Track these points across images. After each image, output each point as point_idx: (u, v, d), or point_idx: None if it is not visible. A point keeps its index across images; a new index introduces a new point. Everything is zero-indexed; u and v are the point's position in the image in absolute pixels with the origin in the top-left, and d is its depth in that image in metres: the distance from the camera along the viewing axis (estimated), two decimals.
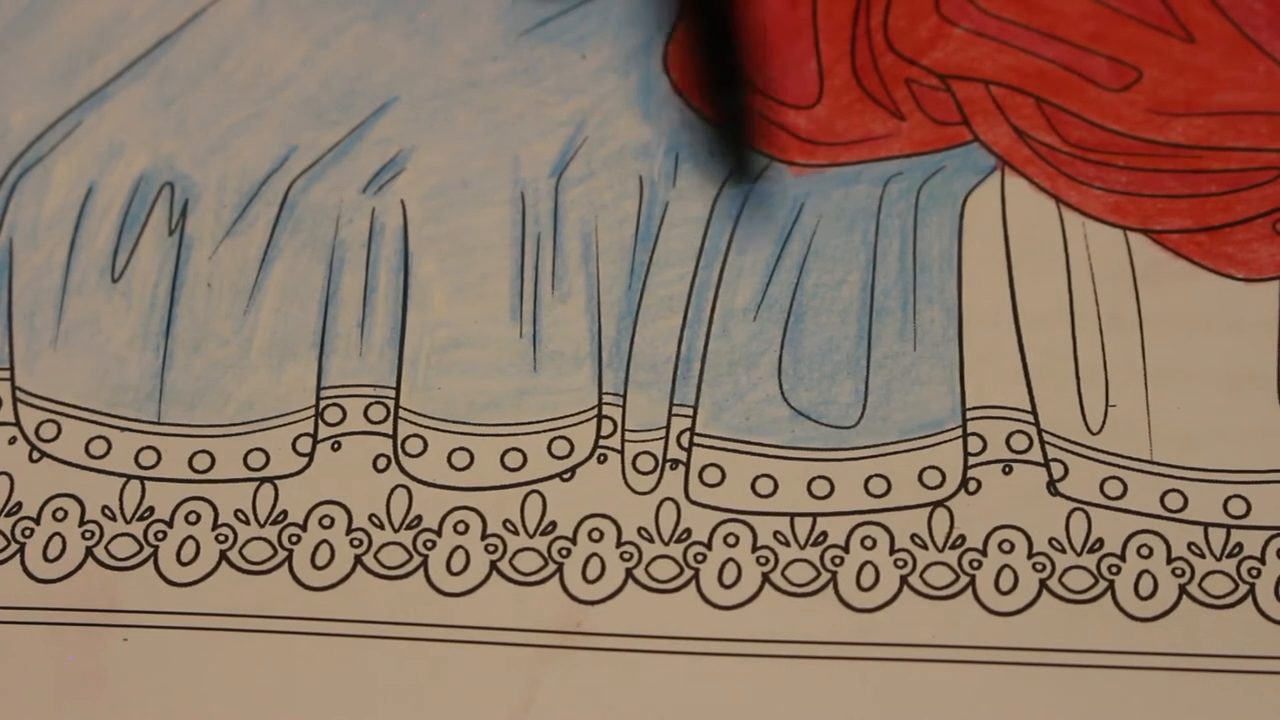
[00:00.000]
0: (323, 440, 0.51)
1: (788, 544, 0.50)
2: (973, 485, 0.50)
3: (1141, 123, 0.55)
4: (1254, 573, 0.49)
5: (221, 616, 0.49)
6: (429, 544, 0.50)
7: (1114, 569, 0.49)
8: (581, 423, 0.51)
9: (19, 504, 0.51)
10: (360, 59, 0.57)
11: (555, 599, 0.49)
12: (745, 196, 0.53)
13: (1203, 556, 0.49)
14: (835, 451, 0.51)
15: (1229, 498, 0.50)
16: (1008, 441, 0.51)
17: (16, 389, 0.52)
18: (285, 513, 0.51)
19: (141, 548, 0.50)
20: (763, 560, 0.49)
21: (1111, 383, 0.51)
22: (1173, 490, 0.50)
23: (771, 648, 0.48)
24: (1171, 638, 0.48)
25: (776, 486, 0.50)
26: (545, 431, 0.51)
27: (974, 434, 0.51)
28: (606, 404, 0.51)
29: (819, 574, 0.49)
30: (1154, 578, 0.49)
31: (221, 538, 0.50)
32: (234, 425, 0.52)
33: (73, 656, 0.49)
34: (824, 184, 0.54)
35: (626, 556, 0.50)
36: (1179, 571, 0.49)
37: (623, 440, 0.51)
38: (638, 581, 0.49)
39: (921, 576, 0.49)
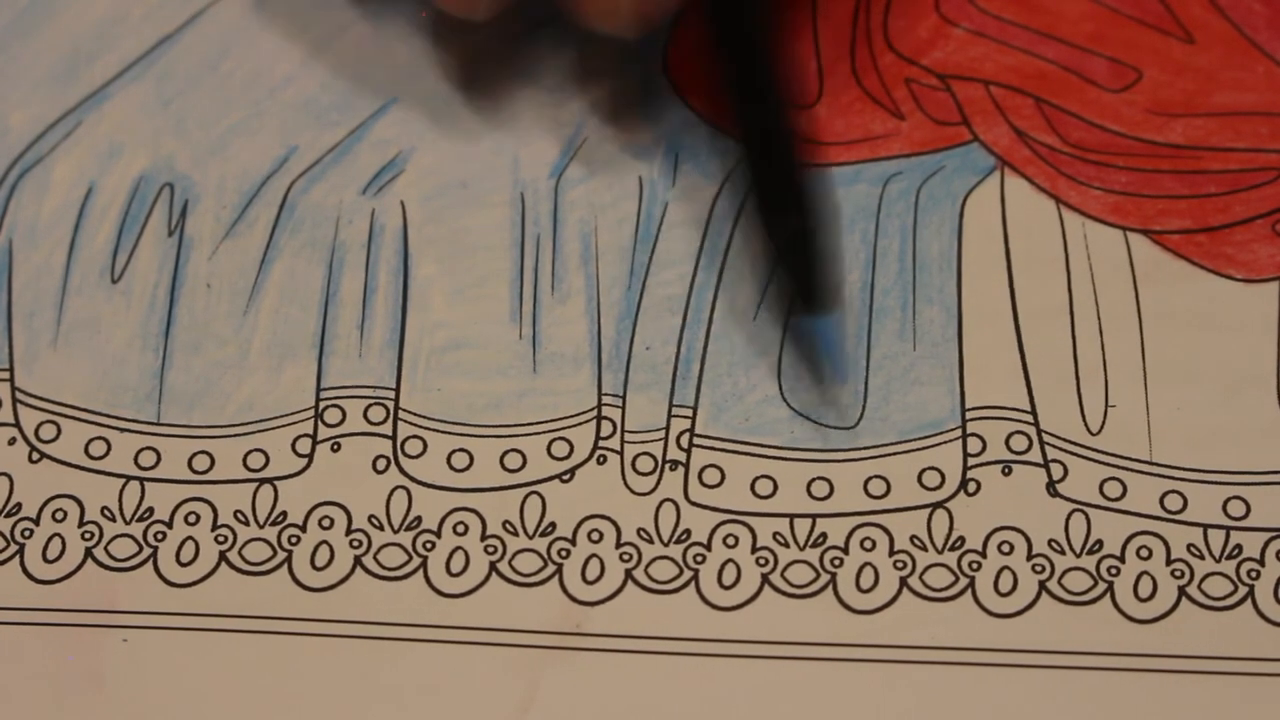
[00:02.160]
0: (322, 441, 0.51)
1: (787, 545, 0.49)
2: (972, 486, 0.50)
3: (1141, 123, 0.55)
4: (1253, 574, 0.49)
5: (221, 617, 0.49)
6: (428, 545, 0.50)
7: (1113, 570, 0.49)
8: (581, 424, 0.51)
9: (18, 505, 0.51)
10: (360, 60, 0.57)
11: (555, 600, 0.49)
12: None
13: (1202, 558, 0.49)
14: (835, 452, 0.51)
15: (1228, 499, 0.50)
16: (1007, 442, 0.51)
17: (16, 390, 0.52)
18: (285, 514, 0.50)
19: (141, 548, 0.50)
20: (762, 561, 0.49)
21: (1111, 383, 0.51)
22: (1172, 491, 0.50)
23: (771, 649, 0.48)
24: (1171, 639, 0.48)
25: (776, 487, 0.50)
26: (545, 433, 0.51)
27: (973, 435, 0.51)
28: (606, 405, 0.51)
29: (818, 575, 0.49)
30: (1153, 579, 0.49)
31: (221, 538, 0.50)
32: (233, 426, 0.52)
33: (72, 657, 0.49)
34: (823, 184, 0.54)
35: (626, 557, 0.49)
36: (1178, 573, 0.49)
37: (622, 441, 0.51)
38: (637, 582, 0.49)
39: (921, 578, 0.49)
